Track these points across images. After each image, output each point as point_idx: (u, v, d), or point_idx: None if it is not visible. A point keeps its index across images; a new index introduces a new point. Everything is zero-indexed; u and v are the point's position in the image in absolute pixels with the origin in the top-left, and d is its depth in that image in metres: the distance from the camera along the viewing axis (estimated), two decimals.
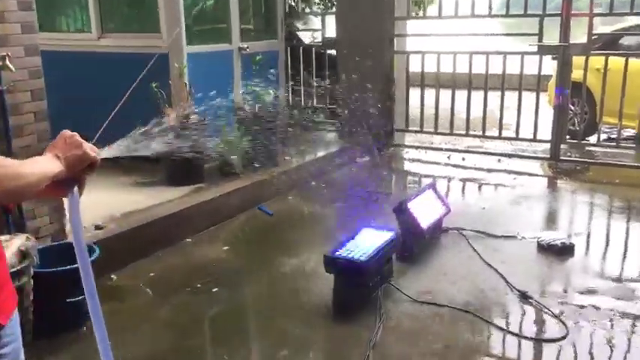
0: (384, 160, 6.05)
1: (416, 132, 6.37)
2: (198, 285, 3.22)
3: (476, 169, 5.73)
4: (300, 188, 4.91)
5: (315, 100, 6.92)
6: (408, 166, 5.97)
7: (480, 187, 5.18)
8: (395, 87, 6.24)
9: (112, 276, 3.31)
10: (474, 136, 6.04)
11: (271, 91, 4.99)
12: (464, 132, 6.04)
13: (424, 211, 3.58)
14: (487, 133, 5.98)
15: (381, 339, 2.67)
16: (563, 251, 3.54)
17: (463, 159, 6.00)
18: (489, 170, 5.65)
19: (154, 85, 4.37)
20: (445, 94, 5.94)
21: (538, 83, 5.64)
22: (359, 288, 2.89)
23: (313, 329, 2.77)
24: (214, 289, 3.17)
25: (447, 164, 5.90)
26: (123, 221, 3.66)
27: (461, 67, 5.89)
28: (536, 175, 5.47)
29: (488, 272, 3.32)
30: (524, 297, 3.01)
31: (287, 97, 6.17)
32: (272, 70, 5.09)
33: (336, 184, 5.11)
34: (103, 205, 3.92)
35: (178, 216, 3.89)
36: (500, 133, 5.94)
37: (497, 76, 5.72)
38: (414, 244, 3.47)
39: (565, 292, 3.14)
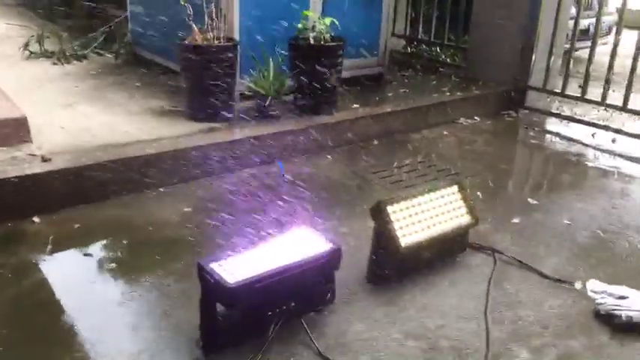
0: (503, 125, 4.67)
1: (555, 94, 4.78)
2: (104, 255, 2.60)
3: (625, 157, 4.11)
4: (354, 147, 3.92)
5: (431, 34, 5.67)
6: (529, 139, 4.48)
7: (603, 189, 3.65)
8: (539, 30, 4.69)
9: (35, 219, 2.84)
10: (632, 112, 4.32)
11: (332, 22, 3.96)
12: (620, 104, 4.36)
13: (424, 217, 2.45)
14: None
15: None
16: (627, 329, 2.17)
17: (614, 141, 4.37)
18: None
19: None
20: None
21: None
22: (232, 318, 2.01)
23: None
24: (110, 265, 2.52)
25: (587, 145, 4.35)
26: (85, 155, 3.14)
27: None
28: None
29: (477, 334, 2.15)
30: None
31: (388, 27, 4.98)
32: None
33: (406, 149, 4.01)
34: (89, 133, 3.48)
35: (159, 159, 3.26)
36: None
37: None
38: (388, 263, 2.40)
39: None
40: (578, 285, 2.46)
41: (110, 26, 5.74)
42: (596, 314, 2.27)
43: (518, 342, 2.12)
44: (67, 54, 5.22)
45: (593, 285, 2.44)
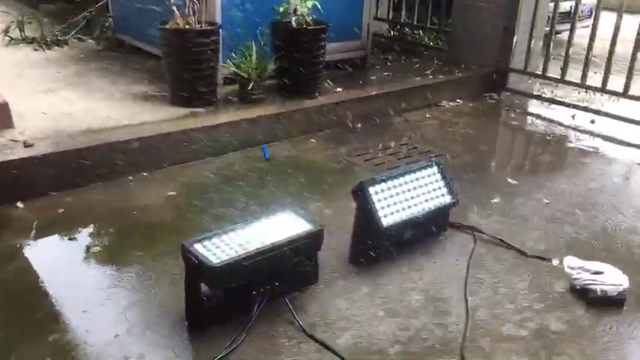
0: (485, 107, 4.72)
1: (536, 76, 4.84)
2: (89, 239, 2.61)
3: (603, 138, 4.17)
4: (337, 130, 3.95)
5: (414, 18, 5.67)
6: (510, 120, 4.54)
7: (581, 168, 3.71)
8: (520, 12, 4.73)
9: (19, 204, 2.85)
10: (611, 92, 4.38)
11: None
12: (599, 85, 4.42)
13: (405, 197, 2.49)
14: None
15: None
16: (602, 303, 2.24)
17: (593, 122, 4.44)
18: (621, 143, 4.08)
19: None
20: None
21: None
22: (216, 297, 2.05)
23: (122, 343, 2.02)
24: (95, 248, 2.54)
25: (567, 126, 4.41)
26: (68, 140, 3.14)
27: None
28: None
29: (457, 310, 2.21)
30: None
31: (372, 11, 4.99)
32: None
33: (389, 132, 4.05)
34: (71, 118, 3.47)
35: (141, 144, 3.26)
36: None
37: None
38: (370, 243, 2.44)
39: None
40: (555, 261, 2.53)
41: (91, 11, 5.68)
42: (572, 289, 2.34)
43: (497, 318, 2.17)
44: (48, 40, 5.17)
45: (570, 261, 2.50)
